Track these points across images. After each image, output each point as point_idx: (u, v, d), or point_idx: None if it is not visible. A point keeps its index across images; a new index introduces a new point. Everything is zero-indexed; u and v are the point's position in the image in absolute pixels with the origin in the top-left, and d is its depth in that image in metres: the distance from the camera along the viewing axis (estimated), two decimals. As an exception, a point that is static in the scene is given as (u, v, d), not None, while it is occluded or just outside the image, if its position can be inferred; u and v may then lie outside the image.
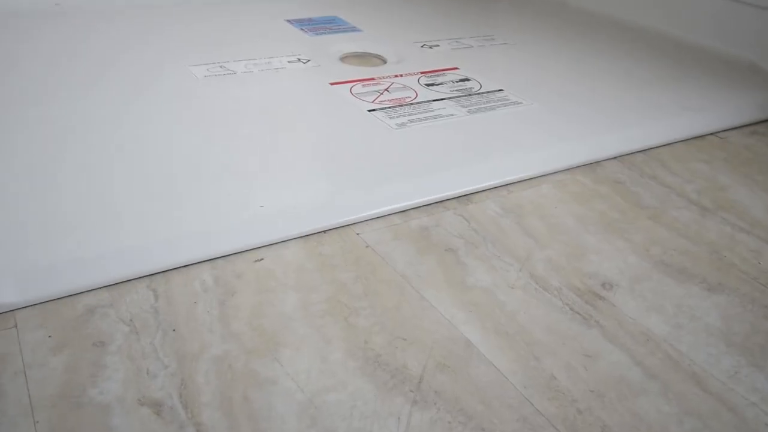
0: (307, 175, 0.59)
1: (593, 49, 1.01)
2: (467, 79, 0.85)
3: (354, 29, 1.03)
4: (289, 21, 1.05)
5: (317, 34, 1.00)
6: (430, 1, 1.22)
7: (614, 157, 0.69)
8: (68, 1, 1.04)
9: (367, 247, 0.53)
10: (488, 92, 0.81)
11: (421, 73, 0.86)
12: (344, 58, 0.94)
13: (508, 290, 0.48)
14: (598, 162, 0.68)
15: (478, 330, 0.44)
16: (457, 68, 0.89)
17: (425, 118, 0.73)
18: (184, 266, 0.50)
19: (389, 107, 0.75)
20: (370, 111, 0.74)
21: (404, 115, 0.73)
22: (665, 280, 0.50)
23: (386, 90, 0.80)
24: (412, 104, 0.76)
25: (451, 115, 0.74)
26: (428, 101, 0.77)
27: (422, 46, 0.97)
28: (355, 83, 0.81)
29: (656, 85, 0.87)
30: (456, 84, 0.83)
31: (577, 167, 0.67)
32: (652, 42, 1.06)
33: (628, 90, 0.85)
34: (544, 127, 0.73)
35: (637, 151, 0.71)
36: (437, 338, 0.43)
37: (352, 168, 0.61)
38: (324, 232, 0.54)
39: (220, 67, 0.83)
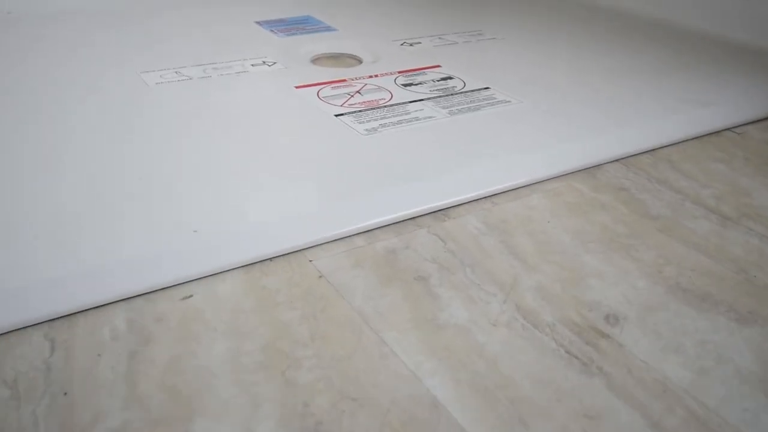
0: (253, 192, 0.50)
1: (590, 41, 0.92)
2: (449, 78, 0.76)
3: (328, 29, 0.95)
4: (258, 23, 0.96)
5: (288, 35, 0.91)
6: (413, -3, 1.14)
7: (616, 160, 0.60)
8: (20, 8, 0.96)
9: (320, 277, 0.43)
10: (472, 91, 0.72)
11: (399, 72, 0.78)
12: (316, 60, 0.85)
13: (488, 328, 0.39)
14: (597, 166, 0.59)
15: (450, 384, 0.35)
16: (438, 66, 0.80)
17: (399, 122, 0.64)
18: (95, 308, 0.41)
19: (359, 110, 0.66)
20: (337, 116, 0.65)
21: (375, 119, 0.64)
22: (683, 309, 0.41)
23: (358, 92, 0.71)
24: (385, 106, 0.67)
25: (430, 117, 0.65)
26: (404, 103, 0.68)
27: (402, 45, 0.89)
28: (323, 86, 0.73)
29: (662, 78, 0.78)
30: (437, 83, 0.74)
31: (573, 173, 0.58)
32: (655, 32, 0.97)
33: (630, 84, 0.76)
34: (535, 127, 0.63)
35: (643, 152, 0.62)
36: (396, 397, 0.34)
37: (308, 182, 0.52)
38: (270, 259, 0.45)
39: (176, 72, 0.75)
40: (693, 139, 0.65)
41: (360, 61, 0.85)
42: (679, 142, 0.65)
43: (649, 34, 0.96)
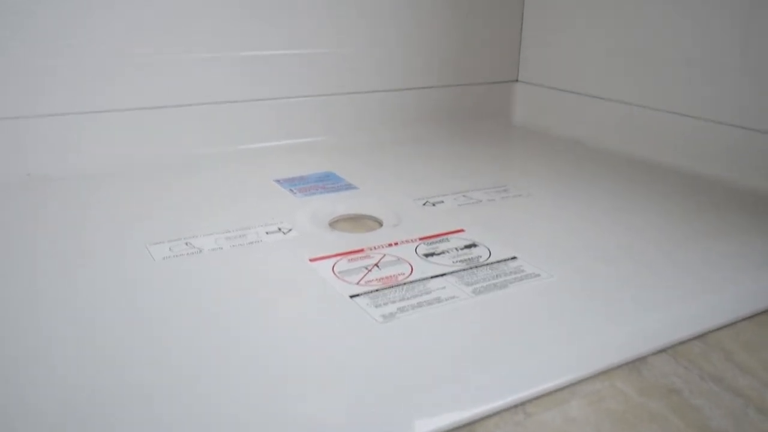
0: (240, 412, 0.45)
1: (626, 198, 0.87)
2: (474, 245, 0.72)
3: (349, 187, 0.92)
4: (277, 181, 0.94)
5: (307, 195, 0.89)
6: (435, 150, 1.12)
7: (663, 350, 0.54)
8: (39, 170, 0.95)
9: None
10: (499, 261, 0.67)
11: (420, 239, 0.73)
12: (335, 223, 0.82)
13: None
14: (642, 358, 0.53)
15: None
16: (462, 230, 0.76)
17: (419, 304, 0.59)
18: None
19: (376, 290, 0.61)
20: (352, 297, 0.60)
21: (393, 301, 0.59)
22: None
23: (375, 265, 0.67)
24: (405, 284, 0.63)
25: (453, 297, 0.60)
26: (425, 278, 0.64)
27: (424, 204, 0.85)
28: (340, 258, 0.68)
29: (708, 241, 0.72)
30: (460, 252, 0.70)
31: (615, 368, 0.51)
32: (700, 188, 0.93)
33: (671, 251, 0.70)
34: (568, 309, 0.58)
35: (692, 338, 0.56)
36: None
37: (306, 393, 0.47)
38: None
39: (186, 244, 0.72)
40: (745, 319, 0.59)
41: (380, 224, 0.81)
42: (731, 324, 0.58)
43: (697, 191, 0.92)
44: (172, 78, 1.01)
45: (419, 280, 0.63)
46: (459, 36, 1.22)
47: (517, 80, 1.29)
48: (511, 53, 1.28)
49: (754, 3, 0.90)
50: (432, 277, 0.64)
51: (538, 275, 0.64)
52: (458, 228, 0.77)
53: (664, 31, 1.02)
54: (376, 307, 0.58)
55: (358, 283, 0.63)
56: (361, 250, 0.70)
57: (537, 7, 1.24)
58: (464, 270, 0.65)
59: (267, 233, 0.75)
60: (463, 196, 0.88)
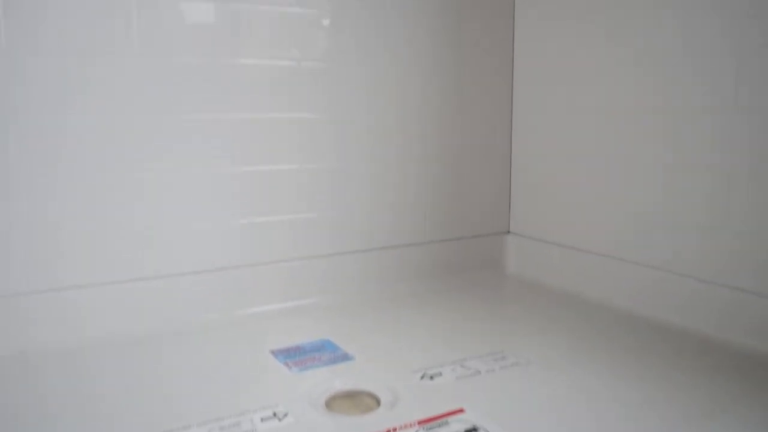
0: None
1: (628, 364, 0.86)
2: (475, 430, 0.70)
3: (345, 357, 0.91)
4: (273, 353, 0.93)
5: (302, 369, 0.88)
6: (431, 307, 1.12)
7: None
8: (34, 347, 0.94)
9: None
10: (501, 451, 0.66)
11: (419, 422, 0.72)
12: (331, 401, 0.81)
13: None
14: None
15: None
16: (462, 410, 0.74)
17: None
18: None
19: (375, 493, 0.59)
20: (350, 502, 0.58)
21: (393, 508, 0.57)
22: None
23: (374, 459, 0.65)
24: (404, 484, 0.61)
25: (454, 500, 0.58)
26: (426, 476, 0.62)
27: (422, 377, 0.84)
28: (336, 450, 0.67)
29: (721, 416, 0.71)
30: (461, 438, 0.68)
31: None
32: (705, 350, 0.92)
33: (691, 421, 0.68)
34: None
35: None
36: None
37: None
38: None
39: (179, 436, 0.70)
40: None
41: (378, 402, 0.80)
42: None
43: (697, 352, 0.91)
44: (160, 249, 1.03)
45: (419, 478, 0.61)
46: (449, 190, 1.25)
47: (508, 232, 1.32)
48: (501, 205, 1.31)
49: (733, 175, 0.93)
50: (432, 474, 0.62)
51: (542, 468, 0.62)
52: (458, 408, 0.75)
53: (657, 190, 1.05)
54: None
55: (356, 484, 0.61)
56: (359, 440, 0.69)
57: (524, 159, 1.28)
58: (465, 463, 0.64)
59: (262, 420, 0.74)
60: (461, 366, 0.87)
